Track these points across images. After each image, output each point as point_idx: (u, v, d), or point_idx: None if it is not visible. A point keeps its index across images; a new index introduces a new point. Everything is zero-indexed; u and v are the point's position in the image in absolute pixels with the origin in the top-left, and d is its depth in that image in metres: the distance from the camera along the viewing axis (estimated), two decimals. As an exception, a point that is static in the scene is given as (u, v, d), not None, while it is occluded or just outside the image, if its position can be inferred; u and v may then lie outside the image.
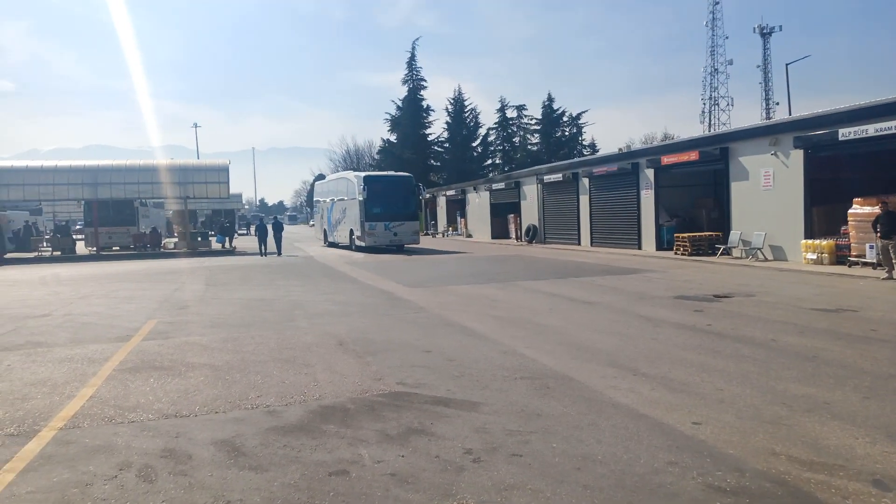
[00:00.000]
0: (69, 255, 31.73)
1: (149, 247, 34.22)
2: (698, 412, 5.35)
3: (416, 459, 4.42)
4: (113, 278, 18.83)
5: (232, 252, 32.89)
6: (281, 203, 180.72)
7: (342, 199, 31.84)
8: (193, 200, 36.50)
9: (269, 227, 31.48)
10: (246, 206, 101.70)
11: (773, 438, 4.71)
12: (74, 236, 37.50)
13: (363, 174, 30.66)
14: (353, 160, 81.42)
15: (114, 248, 34.16)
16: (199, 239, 34.81)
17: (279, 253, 29.52)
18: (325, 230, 36.15)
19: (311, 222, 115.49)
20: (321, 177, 57.38)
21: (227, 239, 36.44)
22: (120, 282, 17.69)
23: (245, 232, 66.31)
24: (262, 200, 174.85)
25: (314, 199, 40.50)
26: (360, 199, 28.45)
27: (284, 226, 35.61)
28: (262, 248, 30.06)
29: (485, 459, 4.40)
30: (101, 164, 32.58)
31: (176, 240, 37.24)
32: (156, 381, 6.66)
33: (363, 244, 28.62)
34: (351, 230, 30.28)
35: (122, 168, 32.46)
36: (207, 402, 5.84)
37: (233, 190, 44.71)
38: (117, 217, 34.28)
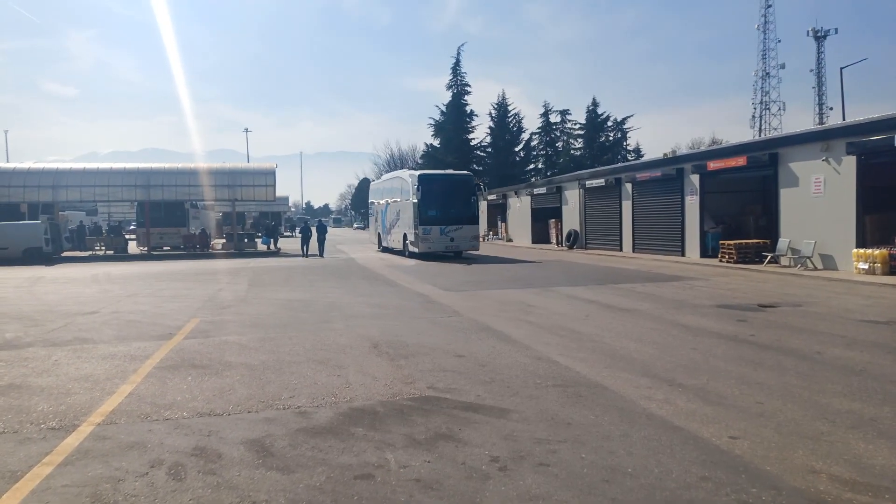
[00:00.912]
0: (121, 255, 32.83)
1: (198, 247, 35.12)
2: (736, 426, 5.17)
3: (441, 466, 4.40)
4: (160, 277, 19.39)
5: (276, 253, 33.50)
6: (326, 206, 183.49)
7: (396, 201, 29.41)
8: (241, 203, 37.39)
9: (314, 230, 32.05)
10: (292, 209, 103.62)
11: (814, 455, 4.52)
12: (127, 236, 38.78)
13: (418, 172, 27.98)
14: (396, 164, 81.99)
15: (164, 248, 35.18)
16: (246, 240, 35.55)
17: (321, 254, 30.18)
18: (379, 234, 33.70)
19: (356, 224, 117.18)
20: (365, 182, 58.00)
21: (272, 241, 37.14)
22: (167, 281, 18.19)
23: (290, 234, 67.53)
24: (308, 203, 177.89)
25: (369, 200, 37.48)
26: (414, 200, 26.00)
27: (328, 228, 36.20)
28: (305, 248, 30.83)
29: (511, 468, 4.34)
30: (153, 167, 33.69)
31: (224, 241, 38.15)
32: (193, 379, 6.80)
33: (416, 250, 26.20)
34: (404, 234, 27.89)
35: (174, 171, 33.50)
36: (241, 402, 5.94)
37: (280, 193, 45.62)
38: (168, 218, 35.33)
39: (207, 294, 14.77)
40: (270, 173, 34.11)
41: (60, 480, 4.23)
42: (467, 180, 27.61)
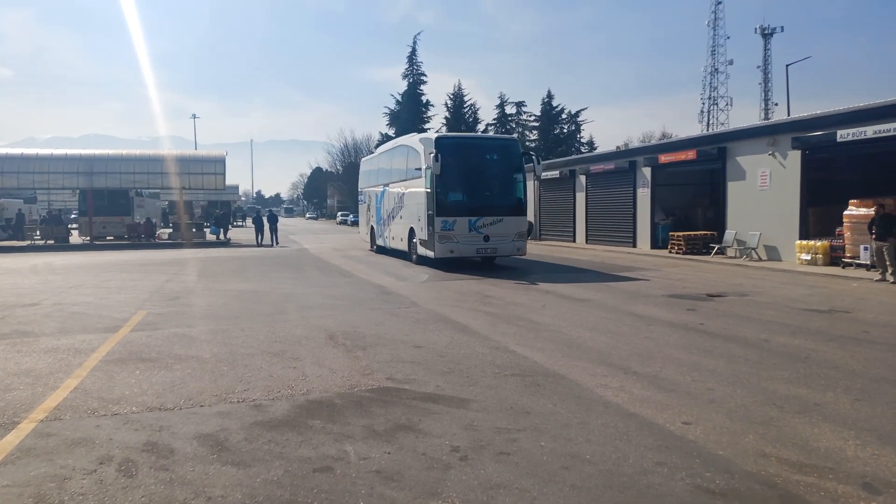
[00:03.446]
0: (62, 245, 31.54)
1: (143, 237, 34.07)
2: (689, 412, 5.30)
3: (402, 456, 4.36)
4: (105, 268, 18.71)
5: (226, 243, 32.77)
6: (278, 195, 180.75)
7: (399, 182, 20.53)
8: (189, 191, 36.39)
9: (266, 219, 31.56)
10: (243, 198, 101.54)
11: (764, 439, 4.66)
12: (69, 226, 37.29)
13: (435, 135, 18.43)
14: (350, 153, 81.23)
15: (108, 238, 33.97)
16: (194, 230, 34.64)
17: (274, 244, 30.00)
18: (372, 229, 24.83)
19: (308, 215, 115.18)
20: (318, 171, 57.04)
21: (221, 230, 36.31)
22: (112, 272, 17.56)
23: (241, 223, 66.18)
24: (258, 192, 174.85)
25: (359, 186, 28.24)
26: (429, 177, 16.97)
27: (280, 218, 35.62)
28: (259, 238, 30.57)
29: (472, 457, 4.34)
30: (96, 153, 32.40)
31: (170, 230, 37.09)
32: (142, 373, 6.58)
33: (430, 254, 17.09)
34: (411, 230, 18.85)
35: (118, 157, 32.30)
36: (193, 396, 5.77)
37: (230, 181, 44.62)
38: (112, 206, 34.12)
39: (154, 285, 14.32)
40: (220, 161, 33.27)
41: (0, 481, 4.02)
42: (509, 146, 18.14)
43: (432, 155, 16.23)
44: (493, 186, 17.96)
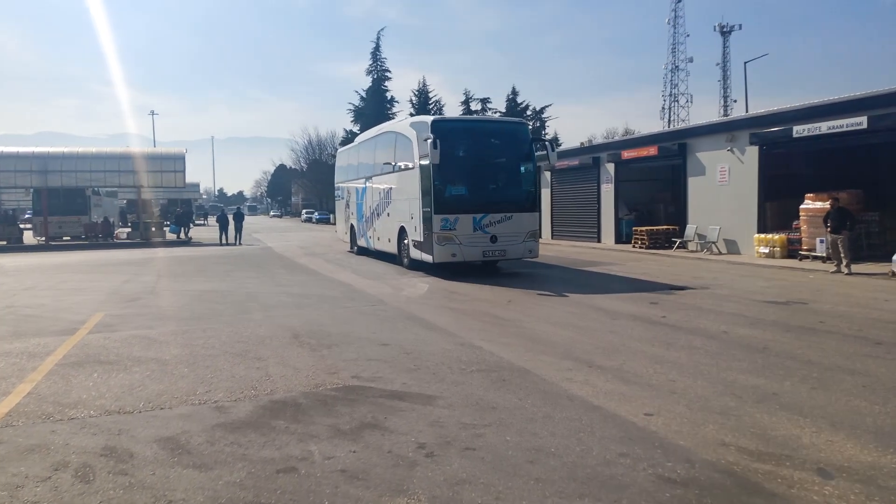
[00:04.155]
0: (16, 245, 30.55)
1: (100, 237, 33.19)
2: (651, 403, 5.38)
3: (367, 455, 4.33)
4: (61, 269, 18.17)
5: (188, 242, 32.15)
6: (240, 193, 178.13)
7: (384, 175, 17.92)
8: (149, 189, 35.57)
9: (231, 217, 31.12)
10: (204, 196, 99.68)
11: (723, 429, 4.77)
12: (22, 226, 36.10)
13: (431, 117, 15.52)
14: (314, 150, 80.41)
15: (64, 238, 32.99)
16: (153, 229, 33.88)
17: (238, 242, 29.72)
18: (352, 227, 22.21)
19: (272, 213, 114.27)
20: (282, 168, 56.32)
21: (182, 229, 35.60)
22: (68, 273, 17.07)
23: (202, 222, 65.01)
24: (220, 190, 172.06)
25: (336, 180, 25.30)
26: (424, 166, 14.60)
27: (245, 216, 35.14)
28: (223, 237, 30.19)
29: (438, 454, 4.33)
30: (50, 151, 31.43)
31: (129, 230, 36.22)
32: (99, 376, 6.40)
33: (427, 257, 14.78)
34: (401, 230, 16.45)
35: (74, 155, 31.38)
36: (153, 398, 5.64)
37: (190, 179, 43.71)
38: (68, 206, 33.12)
39: (112, 286, 13.97)
40: (180, 158, 32.60)
41: (-52, 490, 3.87)
42: (518, 131, 15.88)
43: (429, 142, 13.65)
44: (500, 178, 15.51)
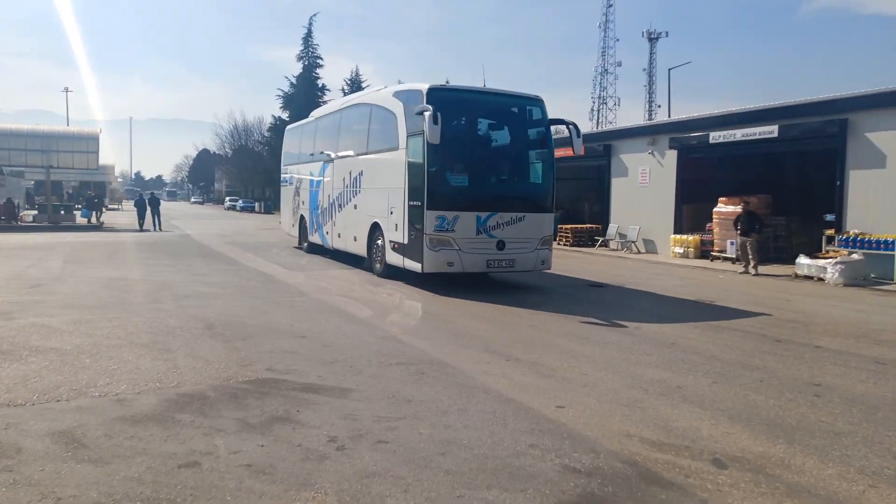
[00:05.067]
0: None
1: (2, 219, 31.04)
2: (563, 396, 5.51)
3: (276, 449, 4.23)
4: (-45, 252, 16.87)
5: (99, 228, 30.56)
6: (159, 178, 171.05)
7: (352, 157, 14.80)
8: (58, 170, 33.58)
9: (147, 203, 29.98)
10: (119, 180, 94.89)
11: (629, 421, 4.93)
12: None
13: (425, 85, 11.51)
14: (241, 135, 78.07)
15: (-39, 220, 30.67)
16: (62, 212, 32.01)
17: (156, 228, 28.75)
18: (301, 219, 18.86)
19: (193, 199, 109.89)
20: (205, 153, 53.70)
21: (93, 213, 33.80)
22: (-37, 256, 15.88)
23: (117, 207, 62.00)
24: (137, 174, 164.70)
25: (283, 163, 21.95)
26: (415, 148, 11.51)
27: (161, 202, 33.77)
28: (141, 222, 29.17)
29: (349, 447, 4.28)
30: (-54, 125, 29.14)
31: (35, 212, 34.07)
32: (-11, 366, 5.97)
33: (416, 265, 11.45)
34: (374, 227, 13.22)
35: (-27, 131, 29.21)
36: (49, 390, 5.31)
37: (105, 161, 41.52)
38: (-34, 185, 30.83)
39: (13, 271, 13.09)
40: (93, 139, 30.92)
41: None
42: (533, 108, 12.43)
43: (427, 115, 10.44)
44: (511, 166, 12.56)
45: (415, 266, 11.41)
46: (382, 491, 3.67)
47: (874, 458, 4.30)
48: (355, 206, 14.41)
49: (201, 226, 33.60)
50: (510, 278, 13.57)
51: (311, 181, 17.84)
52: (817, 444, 4.52)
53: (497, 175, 12.40)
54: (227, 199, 77.28)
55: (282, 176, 21.84)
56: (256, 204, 66.61)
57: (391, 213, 12.28)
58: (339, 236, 15.52)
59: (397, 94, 12.55)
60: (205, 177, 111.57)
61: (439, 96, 11.14)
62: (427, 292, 11.32)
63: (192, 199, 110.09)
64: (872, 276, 13.76)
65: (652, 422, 4.93)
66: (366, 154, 13.93)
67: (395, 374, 6.05)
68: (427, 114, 10.47)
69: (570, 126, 12.27)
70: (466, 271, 11.31)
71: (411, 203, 11.47)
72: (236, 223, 37.70)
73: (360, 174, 14.17)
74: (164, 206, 32.88)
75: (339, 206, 15.48)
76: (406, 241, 11.67)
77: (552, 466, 4.05)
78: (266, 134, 69.50)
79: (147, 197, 31.26)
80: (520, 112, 12.46)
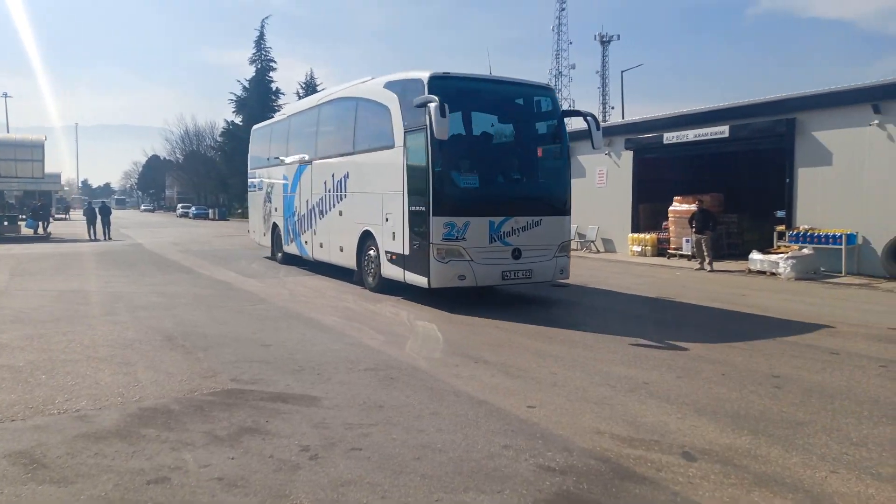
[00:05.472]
0: None
1: (-60, 231, 29.64)
2: (533, 396, 5.55)
3: (247, 461, 4.14)
4: None
5: (46, 238, 29.47)
6: (108, 185, 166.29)
7: (336, 158, 13.37)
8: (1, 180, 32.28)
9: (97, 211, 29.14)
10: (66, 188, 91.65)
11: (599, 418, 5.00)
12: None
13: (425, 73, 10.09)
14: (192, 140, 76.48)
15: None
16: (6, 223, 30.74)
17: (107, 237, 27.97)
18: (274, 227, 17.37)
19: (143, 206, 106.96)
20: (155, 159, 52.42)
21: (39, 224, 32.56)
22: None
23: (64, 216, 59.92)
24: (85, 182, 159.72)
25: (250, 167, 20.04)
26: (414, 145, 10.22)
27: (112, 210, 32.84)
28: (91, 231, 28.35)
29: (322, 456, 4.22)
30: None
31: (-24, 224, 32.63)
32: (-64, 386, 5.69)
33: (419, 279, 10.14)
34: (364, 236, 11.92)
35: None
36: (3, 409, 5.08)
37: (50, 169, 40.13)
38: None
39: (-43, 286, 12.52)
40: (38, 146, 29.92)
41: None
42: (545, 100, 11.32)
43: (433, 107, 9.15)
44: (524, 163, 11.25)
45: (419, 280, 10.08)
46: (359, 499, 3.63)
47: (834, 445, 4.47)
48: (340, 213, 13.03)
49: (153, 234, 32.75)
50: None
51: (286, 185, 16.29)
52: (780, 434, 4.66)
53: (510, 174, 11.01)
54: (180, 206, 75.53)
55: (249, 181, 20.14)
56: (210, 211, 65.22)
57: (387, 219, 10.95)
58: (322, 246, 14.08)
59: (390, 86, 11.14)
60: (155, 184, 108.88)
61: (443, 85, 9.81)
62: (434, 308, 9.93)
63: (143, 207, 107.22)
64: (822, 269, 14.29)
65: (621, 418, 5.01)
66: (352, 154, 12.56)
67: (364, 381, 6.00)
68: (432, 105, 9.17)
69: (589, 118, 11.04)
70: (479, 285, 10.13)
71: (412, 208, 10.17)
72: (190, 231, 36.87)
73: (346, 177, 12.77)
74: (113, 214, 31.84)
75: (321, 212, 14.06)
76: (407, 252, 10.33)
77: (527, 466, 4.07)
78: (219, 139, 68.26)
79: (97, 206, 30.36)
80: (532, 102, 11.26)
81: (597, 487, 3.80)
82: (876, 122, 13.74)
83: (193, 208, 67.80)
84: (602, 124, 14.09)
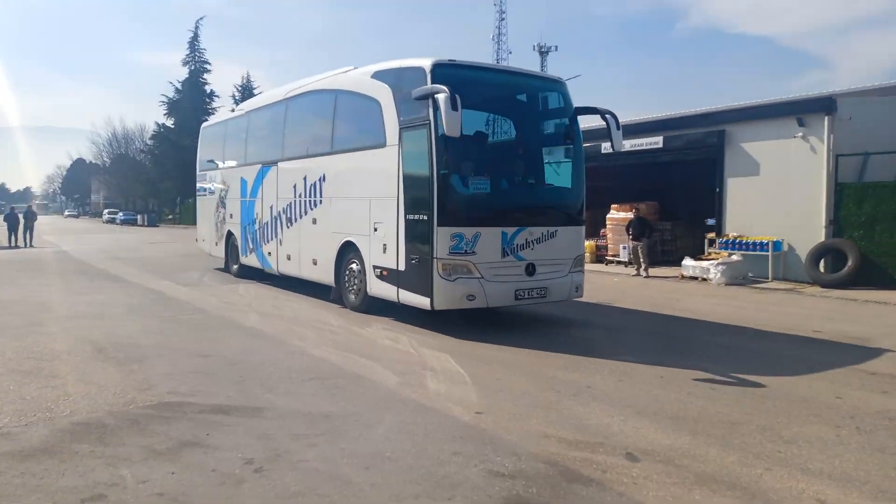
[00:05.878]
0: None
1: None
2: (480, 402, 5.58)
3: (188, 475, 3.99)
4: None
5: (-39, 246, 27.71)
6: (28, 189, 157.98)
7: (310, 157, 11.74)
8: None
9: (21, 217, 27.59)
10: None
11: (546, 422, 5.07)
12: None
13: (427, 60, 8.53)
14: (120, 143, 73.62)
15: None
16: (-85, 229, 28.74)
17: (28, 244, 26.58)
18: (230, 236, 15.38)
19: (67, 212, 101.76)
20: (80, 163, 49.44)
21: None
22: None
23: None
24: (2, 186, 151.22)
25: (199, 169, 17.70)
26: (413, 144, 8.70)
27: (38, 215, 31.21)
28: (13, 238, 26.83)
29: (267, 468, 4.11)
30: None
31: None
32: None
33: (421, 300, 8.54)
34: (344, 247, 10.36)
35: None
36: (-86, 429, 4.73)
37: (-36, 172, 37.75)
38: None
39: None
40: (-47, 148, 28.04)
41: None
42: (557, 95, 10.00)
43: (443, 98, 7.63)
44: (537, 166, 10.00)
45: (418, 301, 8.62)
46: (308, 511, 3.56)
47: (767, 443, 4.67)
48: (314, 221, 11.38)
49: (79, 241, 31.23)
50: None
51: (244, 189, 14.34)
52: (718, 434, 4.84)
53: (523, 178, 9.72)
54: (106, 211, 72.35)
55: (198, 184, 17.90)
56: (139, 216, 62.66)
57: (375, 229, 9.46)
58: (290, 258, 12.29)
59: (380, 76, 9.67)
60: (80, 188, 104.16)
61: (449, 74, 8.36)
62: (437, 333, 8.51)
63: (67, 213, 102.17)
64: (751, 275, 14.97)
65: (567, 421, 5.09)
66: (329, 154, 11.01)
67: (309, 390, 5.90)
68: (441, 97, 7.66)
69: (608, 116, 9.78)
70: (490, 306, 8.72)
71: (410, 217, 8.71)
72: (118, 238, 35.35)
73: (322, 180, 11.11)
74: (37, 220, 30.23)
75: (289, 220, 12.30)
76: (402, 268, 8.87)
77: (477, 472, 4.08)
78: (149, 142, 65.92)
79: (22, 211, 28.79)
80: (544, 97, 10.00)
81: (545, 491, 3.84)
82: (800, 134, 14.51)
83: (121, 214, 64.95)
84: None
